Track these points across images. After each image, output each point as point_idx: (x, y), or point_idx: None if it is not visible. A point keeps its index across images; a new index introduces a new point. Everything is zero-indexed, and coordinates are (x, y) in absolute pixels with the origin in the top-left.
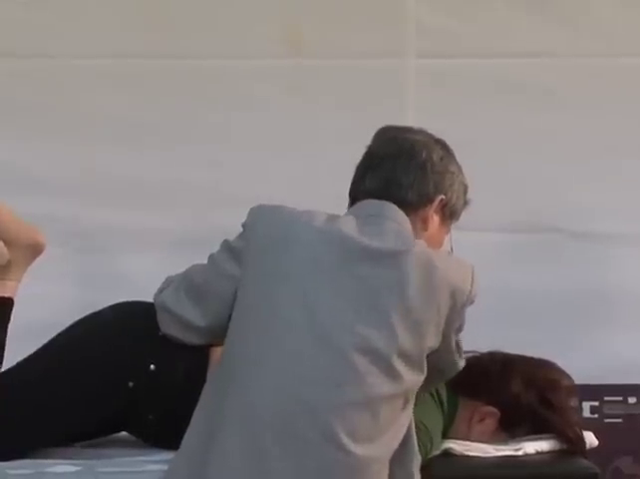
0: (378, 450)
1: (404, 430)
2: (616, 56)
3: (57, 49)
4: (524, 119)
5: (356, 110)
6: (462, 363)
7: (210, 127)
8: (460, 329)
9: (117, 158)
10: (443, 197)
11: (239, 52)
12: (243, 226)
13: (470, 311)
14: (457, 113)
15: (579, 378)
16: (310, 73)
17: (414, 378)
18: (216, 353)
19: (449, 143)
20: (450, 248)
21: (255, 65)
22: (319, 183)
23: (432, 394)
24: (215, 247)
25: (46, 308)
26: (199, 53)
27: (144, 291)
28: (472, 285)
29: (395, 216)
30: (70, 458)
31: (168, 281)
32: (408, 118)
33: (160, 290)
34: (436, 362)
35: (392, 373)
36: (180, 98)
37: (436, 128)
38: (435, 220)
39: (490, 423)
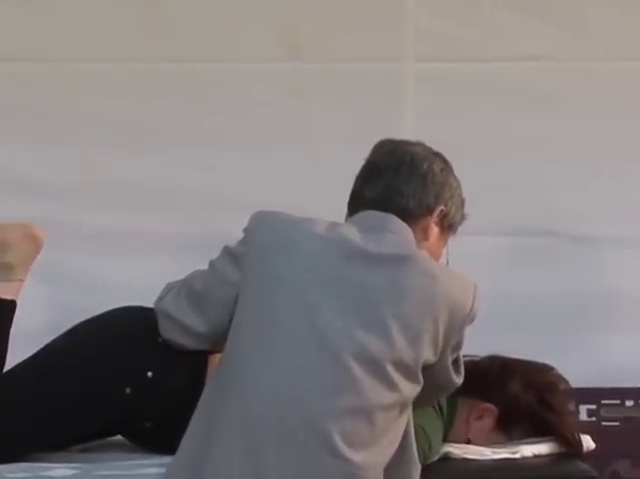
0: (374, 457)
1: (399, 438)
2: (614, 60)
3: (56, 53)
4: (523, 122)
5: (355, 113)
6: (458, 381)
7: (210, 131)
8: (458, 347)
9: (117, 161)
10: (443, 207)
11: (238, 55)
12: (244, 231)
13: None
14: (455, 116)
15: (577, 381)
16: (309, 76)
17: (410, 388)
18: (214, 360)
19: (447, 146)
20: (446, 261)
21: (254, 68)
22: (318, 186)
23: None
24: (215, 251)
25: (46, 312)
26: (199, 56)
27: (144, 295)
28: (473, 304)
29: (398, 229)
30: (67, 461)
31: (169, 288)
32: (407, 122)
33: (161, 297)
34: (432, 377)
35: (389, 382)
36: (180, 101)
37: (435, 131)
38: (434, 230)
39: (488, 421)
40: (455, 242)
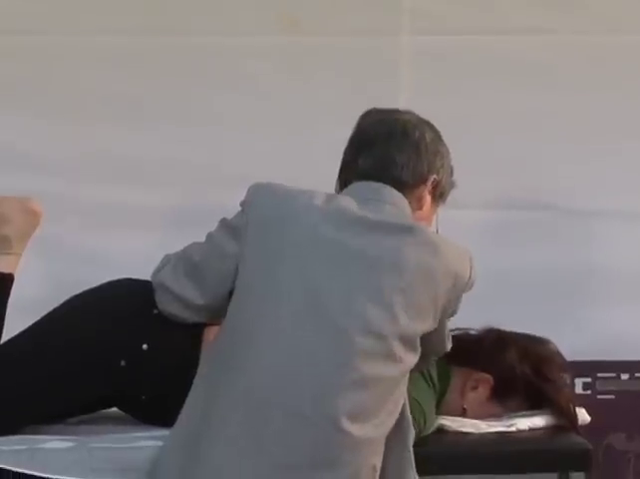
0: (375, 430)
1: (399, 407)
2: (616, 34)
3: (55, 27)
4: (520, 96)
5: (352, 87)
6: (449, 345)
7: (209, 105)
8: (453, 314)
9: (116, 136)
10: (435, 176)
11: (236, 29)
12: (242, 204)
13: None
14: (452, 90)
15: (572, 355)
16: (307, 50)
17: (410, 359)
18: (210, 333)
19: (444, 120)
20: (436, 230)
21: (252, 42)
22: (316, 160)
23: (422, 372)
24: (214, 225)
25: (44, 285)
26: (197, 31)
27: (142, 269)
28: (470, 272)
29: (394, 200)
30: (63, 434)
31: (166, 260)
32: (403, 96)
33: (159, 269)
34: (429, 345)
35: (392, 355)
36: (180, 76)
37: (431, 105)
38: (427, 199)
39: (484, 391)
40: (452, 215)
